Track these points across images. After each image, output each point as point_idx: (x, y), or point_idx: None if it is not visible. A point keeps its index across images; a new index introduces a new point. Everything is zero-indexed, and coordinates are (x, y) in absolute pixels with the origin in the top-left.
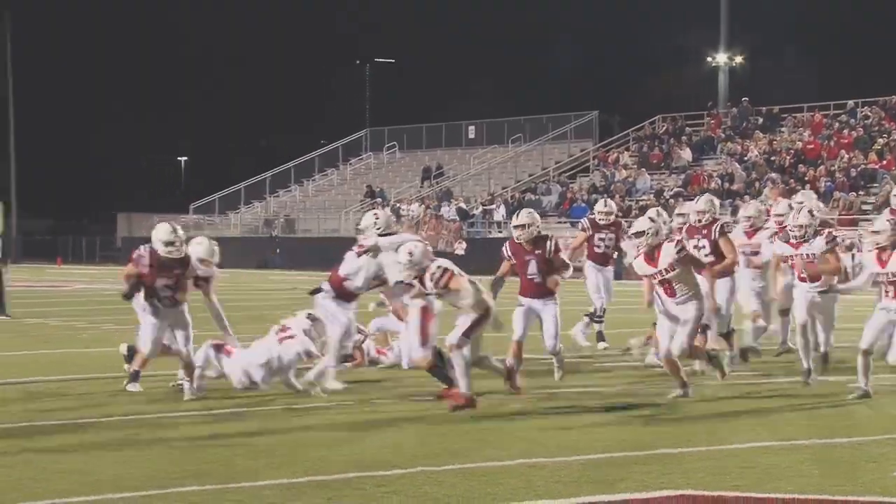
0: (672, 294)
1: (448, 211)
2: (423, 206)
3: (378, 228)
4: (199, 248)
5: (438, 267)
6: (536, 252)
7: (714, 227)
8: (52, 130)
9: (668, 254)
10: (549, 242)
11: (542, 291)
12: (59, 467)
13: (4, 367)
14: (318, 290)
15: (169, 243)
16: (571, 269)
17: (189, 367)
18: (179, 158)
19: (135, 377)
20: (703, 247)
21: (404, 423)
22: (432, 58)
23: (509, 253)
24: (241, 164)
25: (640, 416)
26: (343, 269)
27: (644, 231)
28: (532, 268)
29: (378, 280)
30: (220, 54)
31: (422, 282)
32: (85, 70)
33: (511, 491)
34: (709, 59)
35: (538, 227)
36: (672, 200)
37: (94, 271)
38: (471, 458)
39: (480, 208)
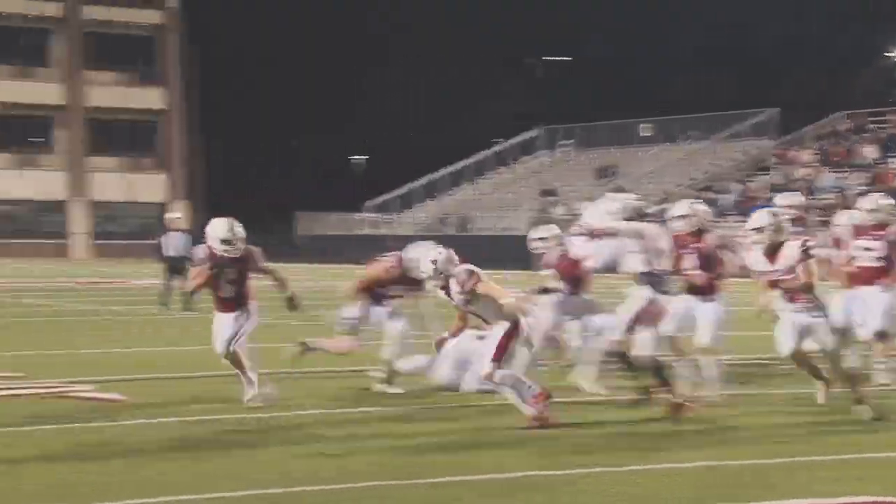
0: (793, 300)
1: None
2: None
3: (620, 214)
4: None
5: (465, 270)
6: (696, 245)
7: (891, 229)
8: (236, 130)
9: (790, 253)
10: (709, 235)
11: (702, 288)
12: (256, 461)
13: (194, 362)
14: (546, 290)
15: (226, 241)
16: (735, 264)
17: (240, 365)
18: (357, 157)
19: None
20: (873, 249)
21: (583, 422)
22: (606, 55)
23: (672, 246)
24: (417, 162)
25: (830, 421)
26: (576, 254)
27: (762, 227)
28: (691, 262)
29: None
30: (396, 52)
31: (448, 291)
32: (267, 76)
33: (694, 492)
34: (890, 53)
35: (701, 218)
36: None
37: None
38: (651, 460)
39: (654, 207)
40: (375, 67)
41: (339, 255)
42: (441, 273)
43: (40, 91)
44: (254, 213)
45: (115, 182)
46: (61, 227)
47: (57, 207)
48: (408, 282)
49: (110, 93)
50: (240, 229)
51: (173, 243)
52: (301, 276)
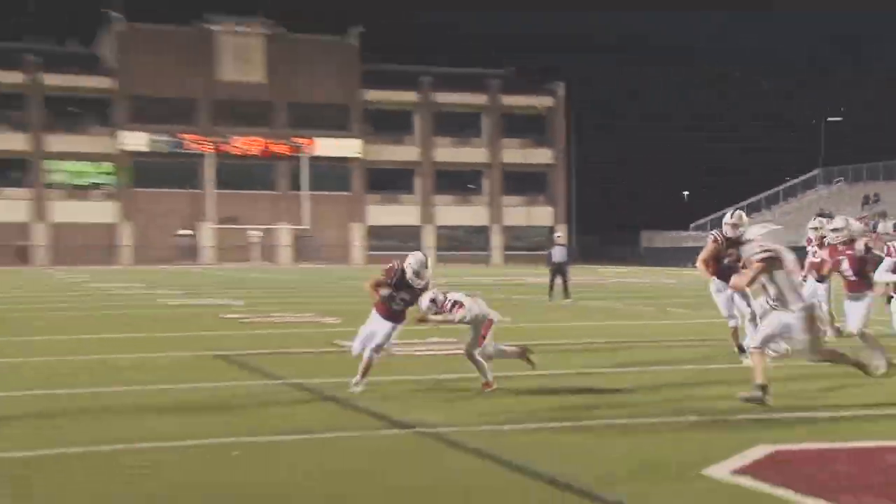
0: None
1: (884, 226)
2: (863, 222)
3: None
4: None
5: (448, 300)
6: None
7: None
8: (600, 175)
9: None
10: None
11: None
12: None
13: (564, 333)
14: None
15: (416, 273)
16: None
17: (367, 369)
18: (684, 192)
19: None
20: None
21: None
22: (874, 110)
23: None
24: (728, 194)
25: None
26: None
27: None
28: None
29: None
30: (711, 109)
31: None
32: (622, 137)
33: None
34: None
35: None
36: None
37: (623, 270)
38: None
39: None
40: (697, 122)
41: (671, 262)
42: (440, 305)
43: (472, 154)
44: (611, 231)
45: (518, 213)
46: (484, 245)
47: (481, 231)
48: (734, 245)
49: (516, 153)
50: (429, 269)
51: (557, 253)
52: (643, 275)
